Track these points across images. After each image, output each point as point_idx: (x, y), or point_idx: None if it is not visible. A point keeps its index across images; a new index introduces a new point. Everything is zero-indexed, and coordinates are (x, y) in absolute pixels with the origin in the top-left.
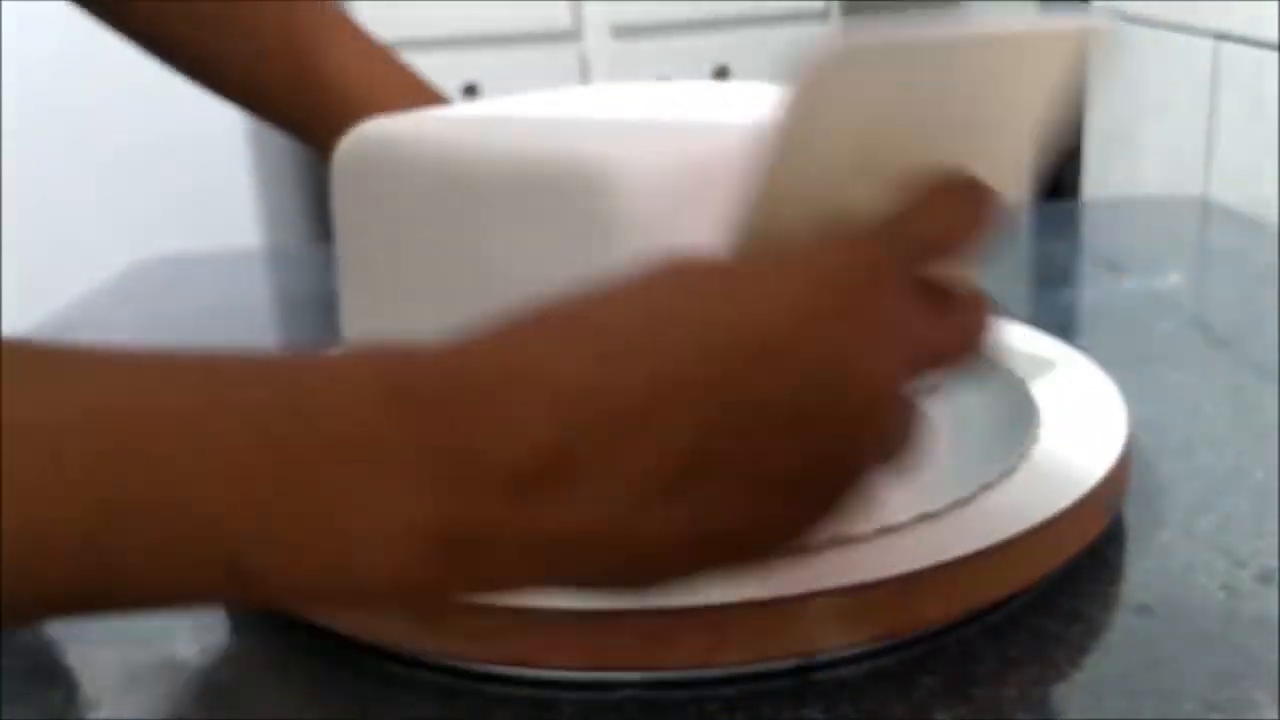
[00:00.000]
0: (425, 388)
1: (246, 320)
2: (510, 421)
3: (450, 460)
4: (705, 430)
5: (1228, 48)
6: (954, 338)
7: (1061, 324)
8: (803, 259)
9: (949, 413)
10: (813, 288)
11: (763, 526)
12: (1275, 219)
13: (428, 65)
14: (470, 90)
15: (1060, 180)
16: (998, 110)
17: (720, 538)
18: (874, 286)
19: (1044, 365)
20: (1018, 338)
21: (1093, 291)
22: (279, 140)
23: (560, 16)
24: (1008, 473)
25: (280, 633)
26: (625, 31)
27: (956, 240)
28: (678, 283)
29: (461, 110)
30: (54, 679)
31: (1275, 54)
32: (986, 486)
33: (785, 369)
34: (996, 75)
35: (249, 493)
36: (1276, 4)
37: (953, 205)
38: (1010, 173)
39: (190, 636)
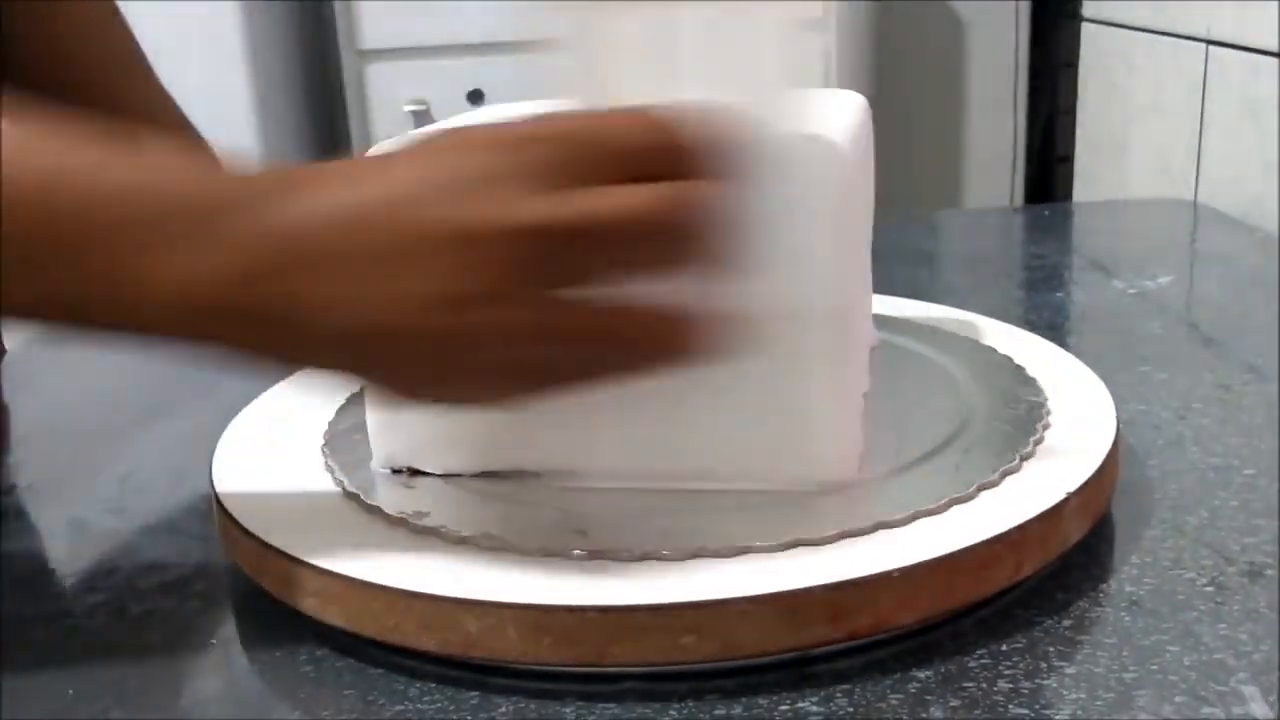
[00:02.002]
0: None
1: None
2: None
3: (257, 240)
4: (403, 250)
5: (1218, 52)
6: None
7: (1052, 324)
8: (504, 126)
9: (952, 405)
10: (483, 146)
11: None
12: (1263, 222)
13: (433, 72)
14: (476, 96)
15: (1052, 183)
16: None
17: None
18: (536, 143)
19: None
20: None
21: (1083, 292)
22: (287, 126)
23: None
24: (1004, 470)
25: (286, 628)
26: None
27: (615, 148)
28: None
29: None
30: (58, 676)
31: (1265, 59)
32: (985, 485)
33: (417, 211)
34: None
35: (110, 237)
36: (1267, 9)
37: (636, 125)
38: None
39: (195, 632)
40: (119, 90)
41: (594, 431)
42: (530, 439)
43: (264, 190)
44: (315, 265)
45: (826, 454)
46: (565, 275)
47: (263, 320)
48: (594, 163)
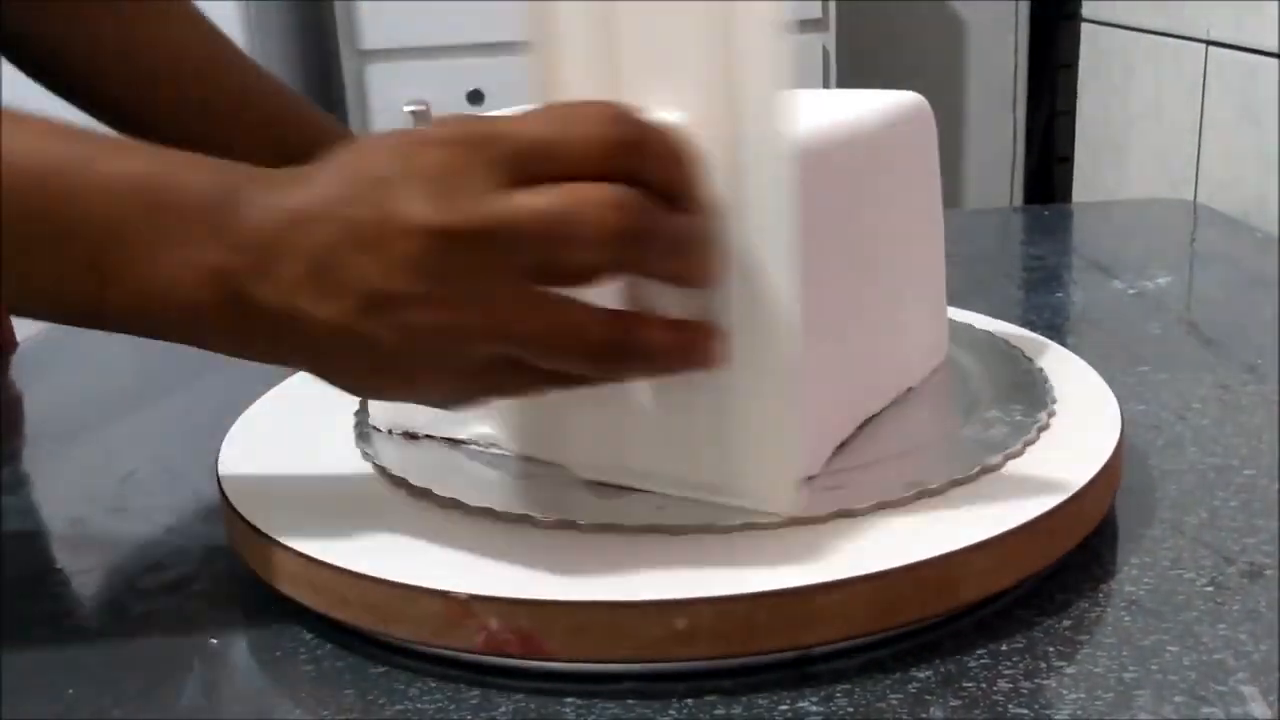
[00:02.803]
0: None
1: None
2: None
3: (229, 237)
4: (328, 248)
5: (1217, 53)
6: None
7: (1052, 324)
8: (419, 129)
9: (960, 397)
10: (398, 146)
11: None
12: (1262, 222)
13: (432, 72)
14: (476, 97)
15: (1051, 184)
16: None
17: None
18: (432, 146)
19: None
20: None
21: (1083, 293)
22: None
23: None
24: (1003, 468)
25: (288, 626)
26: None
27: (560, 149)
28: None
29: None
30: (58, 676)
31: (1265, 59)
32: (988, 468)
33: (344, 210)
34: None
35: (113, 227)
36: (1266, 10)
37: (573, 122)
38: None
39: (195, 632)
40: (218, 81)
41: (569, 424)
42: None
43: (234, 191)
44: (268, 266)
45: (760, 480)
46: (473, 275)
47: (230, 318)
48: (529, 161)
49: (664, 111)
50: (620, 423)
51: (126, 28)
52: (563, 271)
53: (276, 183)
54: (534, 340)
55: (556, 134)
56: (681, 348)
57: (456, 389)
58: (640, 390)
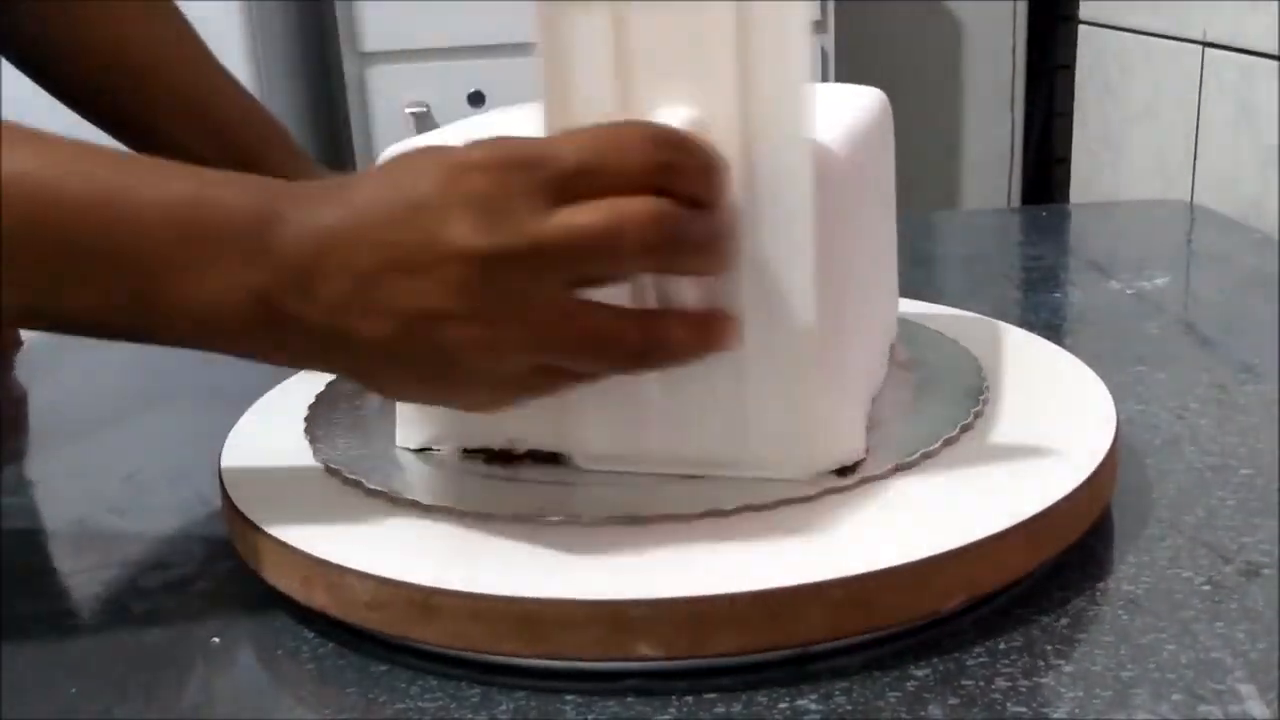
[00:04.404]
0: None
1: None
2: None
3: (269, 259)
4: (373, 269)
5: (1214, 54)
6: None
7: (1050, 325)
8: (457, 150)
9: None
10: (437, 169)
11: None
12: (1259, 223)
13: (434, 74)
14: (477, 98)
15: (1049, 184)
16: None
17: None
18: (474, 170)
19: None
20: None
21: (1081, 293)
22: (289, 128)
23: None
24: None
25: (290, 625)
26: None
27: (603, 173)
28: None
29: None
30: (60, 675)
31: (1261, 61)
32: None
33: (386, 233)
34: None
35: (158, 253)
36: (1263, 11)
37: (615, 146)
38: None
39: (197, 631)
40: (184, 85)
41: (592, 414)
42: (536, 420)
43: (272, 211)
44: (310, 286)
45: (823, 444)
46: (520, 293)
47: (275, 332)
48: (571, 185)
49: (680, 108)
50: (632, 409)
51: (111, 25)
52: (601, 281)
53: (313, 201)
54: (574, 349)
55: (598, 158)
56: (702, 339)
57: (495, 395)
58: (651, 376)
